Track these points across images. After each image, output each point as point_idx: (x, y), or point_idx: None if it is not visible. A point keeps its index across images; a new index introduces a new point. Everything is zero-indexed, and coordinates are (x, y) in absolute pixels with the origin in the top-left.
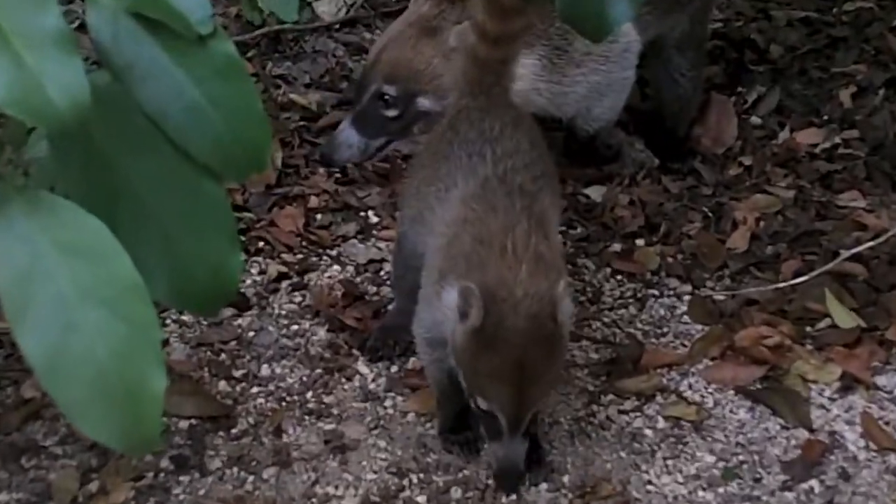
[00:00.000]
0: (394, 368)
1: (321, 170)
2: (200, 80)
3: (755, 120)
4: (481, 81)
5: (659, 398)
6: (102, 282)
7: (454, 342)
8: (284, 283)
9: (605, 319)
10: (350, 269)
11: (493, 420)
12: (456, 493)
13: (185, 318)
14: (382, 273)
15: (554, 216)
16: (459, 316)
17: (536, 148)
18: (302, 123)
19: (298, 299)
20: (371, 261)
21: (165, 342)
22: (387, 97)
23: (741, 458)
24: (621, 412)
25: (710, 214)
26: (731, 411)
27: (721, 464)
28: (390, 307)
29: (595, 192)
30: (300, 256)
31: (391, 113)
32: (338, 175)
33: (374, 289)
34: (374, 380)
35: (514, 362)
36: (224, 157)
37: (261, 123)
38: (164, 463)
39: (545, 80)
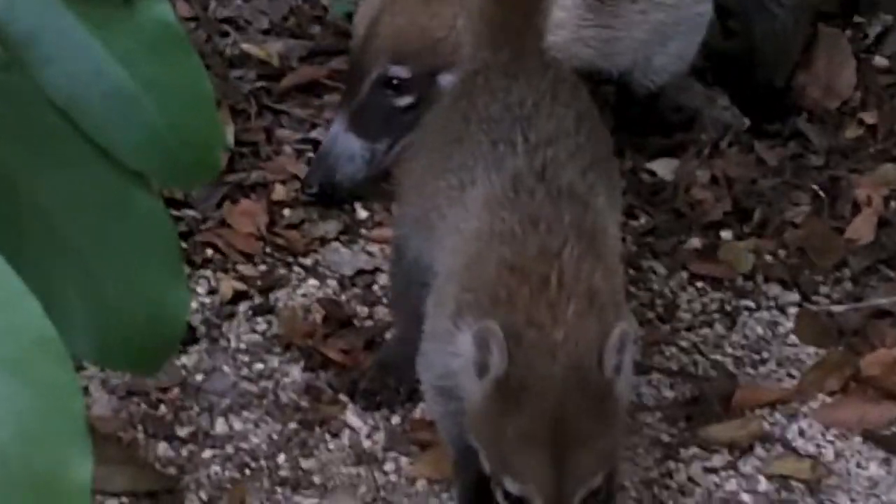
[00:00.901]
0: (395, 419)
1: (287, 147)
2: (127, 57)
3: (880, 61)
4: (504, 24)
5: (759, 450)
6: (0, 336)
7: (470, 405)
8: (243, 306)
9: (683, 343)
10: (332, 283)
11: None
12: None
13: None
14: (376, 287)
15: (612, 223)
16: (477, 370)
17: (585, 125)
18: (260, 84)
19: (263, 327)
20: (360, 271)
21: (84, 390)
22: (396, 81)
23: None
24: (708, 470)
25: (821, 194)
26: (858, 465)
27: None
28: (388, 334)
29: (664, 168)
30: (263, 268)
31: (404, 101)
32: (310, 154)
33: (366, 310)
34: (369, 435)
35: (549, 425)
36: (161, 158)
37: (209, 112)
38: None
39: (592, 22)
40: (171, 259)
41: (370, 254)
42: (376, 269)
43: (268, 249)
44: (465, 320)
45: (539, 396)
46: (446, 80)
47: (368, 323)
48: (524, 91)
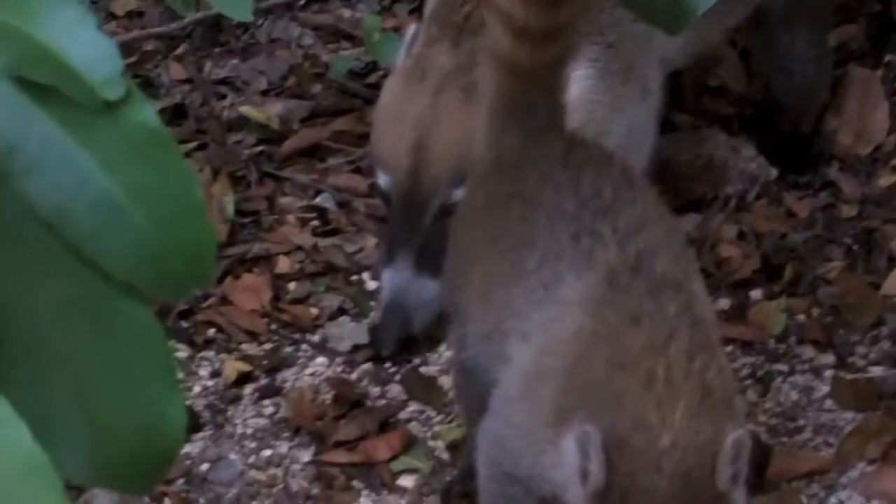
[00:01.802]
0: (405, 502)
1: (290, 216)
2: (112, 164)
3: None
4: (529, 104)
5: None
6: None
7: None
8: (248, 388)
9: None
10: (340, 360)
11: None
12: None
13: None
14: (388, 364)
15: (710, 311)
16: (580, 477)
17: (664, 209)
18: (260, 149)
19: (270, 410)
20: (370, 346)
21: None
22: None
23: None
24: None
25: (855, 247)
26: None
27: None
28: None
29: (688, 224)
30: (269, 347)
31: None
32: (315, 223)
33: (378, 389)
34: None
35: None
36: (151, 269)
37: (199, 219)
38: None
39: (601, 95)
40: (165, 372)
41: None
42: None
43: (273, 326)
44: (571, 422)
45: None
46: None
47: (381, 402)
48: (597, 181)
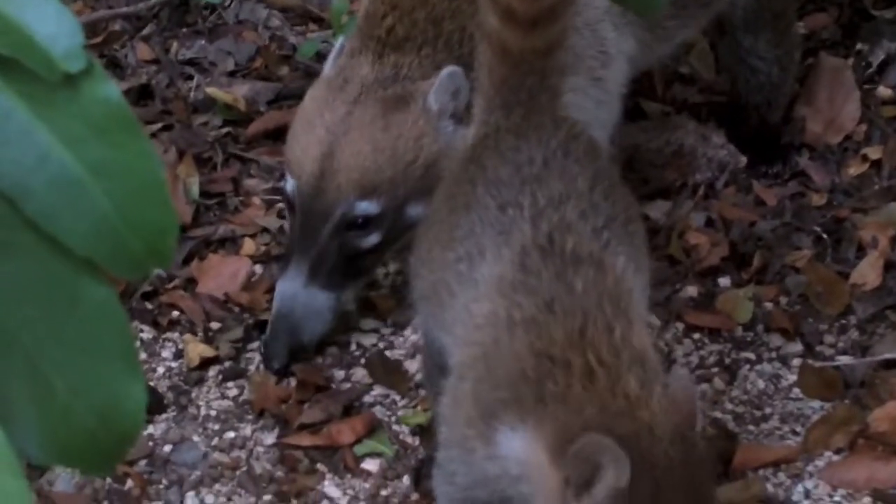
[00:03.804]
0: (376, 489)
1: (256, 198)
2: (73, 140)
3: (883, 91)
4: (518, 86)
5: None
6: None
7: None
8: (212, 371)
9: None
10: None
11: None
12: None
13: None
14: (353, 347)
15: (638, 287)
16: (574, 491)
17: (600, 183)
18: (226, 130)
19: (234, 392)
20: (335, 330)
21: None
22: (362, 220)
23: None
24: None
25: (824, 236)
26: None
27: None
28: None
29: (656, 211)
30: (234, 329)
31: (371, 241)
32: (281, 205)
33: (343, 372)
34: None
35: (690, 499)
36: (111, 247)
37: (161, 197)
38: None
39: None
40: (126, 352)
41: (348, 312)
42: (352, 329)
43: (237, 310)
44: (505, 420)
45: (667, 486)
46: (416, 210)
47: (346, 386)
48: (534, 149)
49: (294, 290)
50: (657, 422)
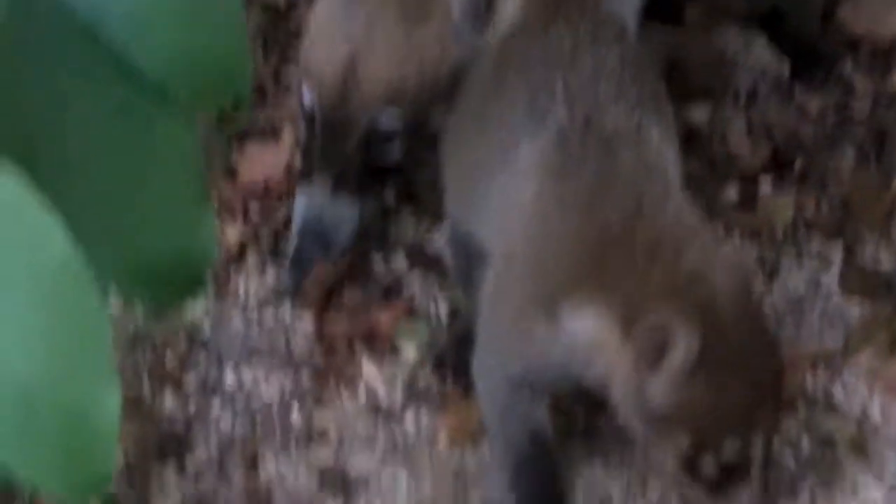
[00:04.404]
0: (416, 372)
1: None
2: None
3: None
4: None
5: (801, 410)
6: (22, 261)
7: (644, 399)
8: (252, 255)
9: None
10: None
11: (739, 460)
12: None
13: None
14: (392, 230)
15: (671, 164)
16: (647, 363)
17: (629, 64)
18: (265, 23)
19: (272, 278)
20: (383, 209)
21: None
22: (386, 131)
23: None
24: None
25: (866, 143)
26: None
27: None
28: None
29: (697, 113)
30: (273, 214)
31: (396, 152)
32: None
33: (381, 259)
34: (387, 388)
35: (759, 361)
36: (189, 75)
37: (237, 28)
38: None
39: None
40: (198, 186)
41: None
42: (389, 210)
43: (279, 195)
44: (568, 303)
45: (737, 351)
46: (439, 113)
47: (385, 272)
48: (564, 35)
49: (320, 201)
50: (721, 289)
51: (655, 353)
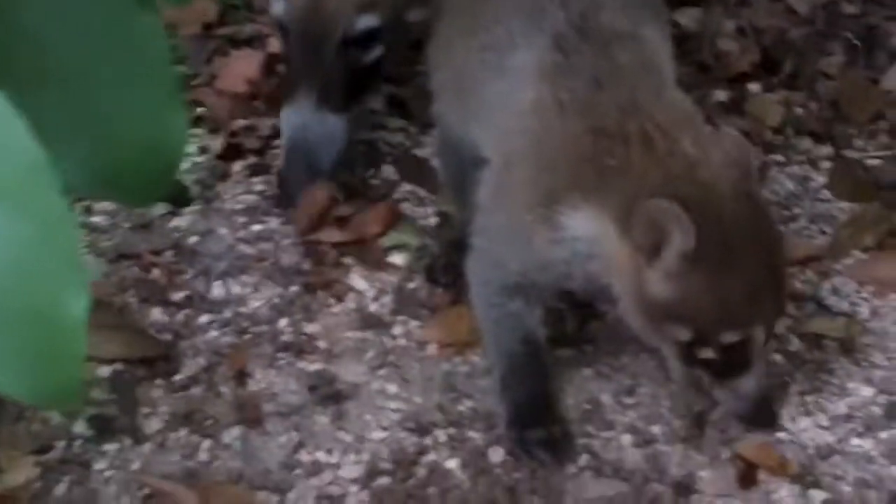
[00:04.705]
0: (404, 282)
1: None
2: None
3: None
4: None
5: (791, 309)
6: None
7: (641, 292)
8: (238, 165)
9: None
10: None
11: (741, 351)
12: (497, 454)
13: (95, 219)
14: (381, 146)
15: (666, 58)
16: (645, 255)
17: None
18: None
19: (260, 187)
20: (365, 130)
21: None
22: (363, 35)
23: None
24: None
25: (856, 42)
26: (894, 323)
27: (883, 398)
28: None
29: (687, 17)
30: (259, 125)
31: (374, 54)
32: None
33: (371, 170)
34: (376, 298)
35: (760, 252)
36: None
37: None
38: (80, 427)
39: None
40: (169, 83)
41: (376, 112)
42: (379, 127)
43: (263, 106)
44: (567, 202)
45: (739, 236)
46: (416, 14)
47: (375, 181)
48: None
49: (304, 117)
50: (718, 179)
51: (653, 245)
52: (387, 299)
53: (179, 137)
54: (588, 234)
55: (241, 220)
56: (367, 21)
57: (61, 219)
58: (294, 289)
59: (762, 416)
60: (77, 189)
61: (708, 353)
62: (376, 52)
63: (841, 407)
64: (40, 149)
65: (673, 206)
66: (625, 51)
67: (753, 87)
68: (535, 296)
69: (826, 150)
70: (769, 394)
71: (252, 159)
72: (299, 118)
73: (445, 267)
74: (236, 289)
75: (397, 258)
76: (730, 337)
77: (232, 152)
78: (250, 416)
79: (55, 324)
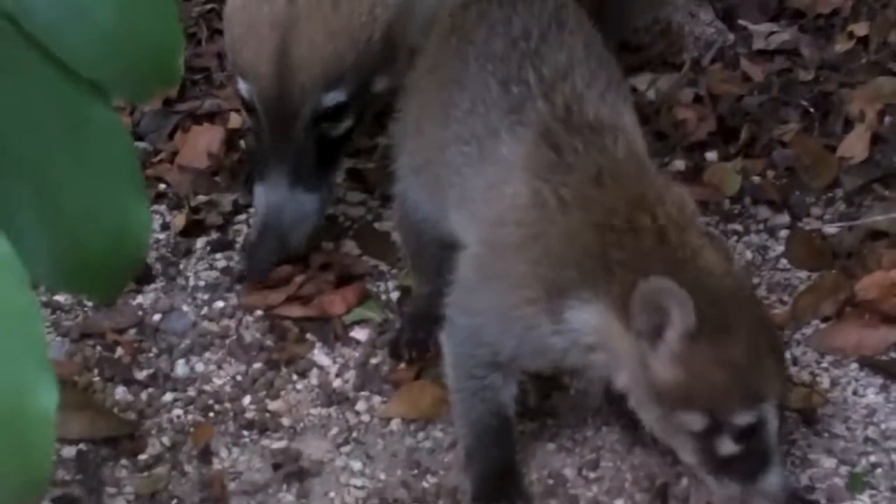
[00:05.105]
0: (366, 357)
1: None
2: None
3: None
4: None
5: None
6: None
7: (647, 375)
8: (200, 241)
9: None
10: None
11: (758, 439)
12: None
13: (58, 298)
14: (342, 220)
15: (641, 144)
16: (647, 338)
17: (594, 49)
18: (209, 6)
19: (222, 263)
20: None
21: None
22: (331, 110)
23: (873, 458)
24: None
25: (811, 110)
26: (855, 393)
27: (844, 469)
28: (414, 288)
29: (645, 84)
30: (220, 201)
31: (344, 126)
32: None
33: (331, 244)
34: (339, 374)
35: (756, 321)
36: (117, 65)
37: (168, 13)
38: None
39: None
40: (131, 176)
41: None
42: (340, 201)
43: (224, 182)
44: (574, 295)
45: (743, 315)
46: (382, 82)
47: (335, 257)
48: (528, 22)
49: (279, 197)
50: (713, 262)
51: (654, 328)
52: (350, 375)
53: (143, 229)
54: (593, 327)
55: (204, 296)
56: (336, 96)
57: (27, 313)
58: (257, 365)
59: None
60: (42, 283)
61: (727, 446)
62: (347, 123)
63: (803, 479)
64: (6, 243)
65: (668, 284)
66: (616, 144)
67: (711, 155)
68: (515, 371)
69: (783, 218)
70: (794, 485)
71: (214, 235)
72: (273, 197)
73: (409, 342)
74: (200, 366)
75: (360, 333)
76: (744, 418)
77: (194, 228)
78: (215, 494)
79: (23, 416)
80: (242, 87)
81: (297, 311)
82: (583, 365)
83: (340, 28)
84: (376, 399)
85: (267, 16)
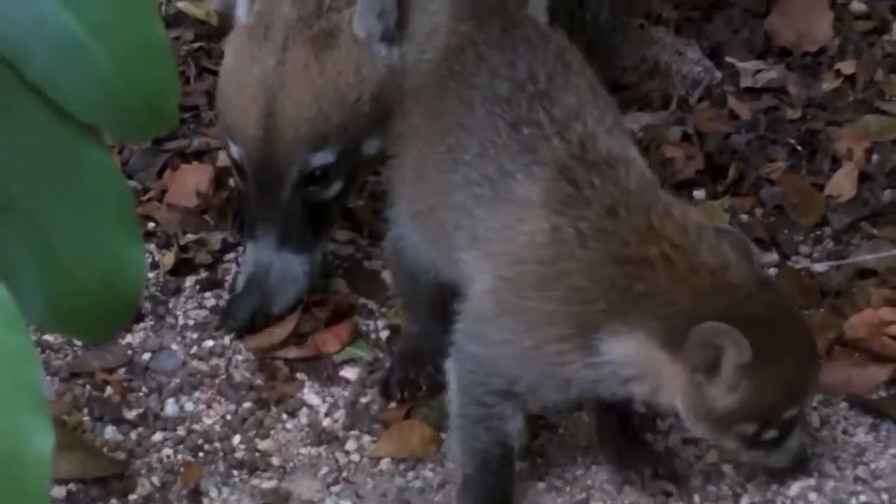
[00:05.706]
0: (356, 397)
1: None
2: (72, 1)
3: (857, 6)
4: None
5: None
6: None
7: (709, 408)
8: (189, 280)
9: None
10: None
11: (795, 420)
12: None
13: (48, 337)
14: (331, 258)
15: (646, 169)
16: (703, 374)
17: (597, 87)
18: (198, 45)
19: (211, 302)
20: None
21: None
22: (320, 172)
23: (863, 498)
24: (687, 442)
25: (799, 148)
26: (844, 432)
27: None
28: (404, 327)
29: (633, 123)
30: (210, 240)
31: (334, 190)
32: None
33: (322, 282)
34: (328, 413)
35: (795, 326)
36: (113, 110)
37: (163, 59)
38: None
39: None
40: (126, 218)
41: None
42: (330, 240)
43: (213, 220)
44: (606, 329)
45: (785, 328)
46: (373, 145)
47: (327, 292)
48: (533, 65)
49: (268, 256)
50: (742, 279)
51: (710, 364)
52: (339, 414)
53: (138, 271)
54: (632, 358)
55: (193, 335)
56: (323, 157)
57: (22, 356)
58: (247, 405)
59: (803, 466)
60: (35, 324)
61: (772, 434)
62: (336, 186)
63: None
64: (2, 287)
65: (724, 327)
66: (628, 176)
67: (698, 193)
68: (527, 403)
69: (772, 256)
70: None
71: (203, 274)
72: (264, 257)
73: (399, 381)
74: (189, 406)
75: (350, 372)
76: (790, 413)
77: (183, 267)
78: None
79: (19, 464)
80: (233, 149)
81: (292, 352)
82: (617, 395)
83: (326, 89)
84: (366, 438)
85: (256, 76)
